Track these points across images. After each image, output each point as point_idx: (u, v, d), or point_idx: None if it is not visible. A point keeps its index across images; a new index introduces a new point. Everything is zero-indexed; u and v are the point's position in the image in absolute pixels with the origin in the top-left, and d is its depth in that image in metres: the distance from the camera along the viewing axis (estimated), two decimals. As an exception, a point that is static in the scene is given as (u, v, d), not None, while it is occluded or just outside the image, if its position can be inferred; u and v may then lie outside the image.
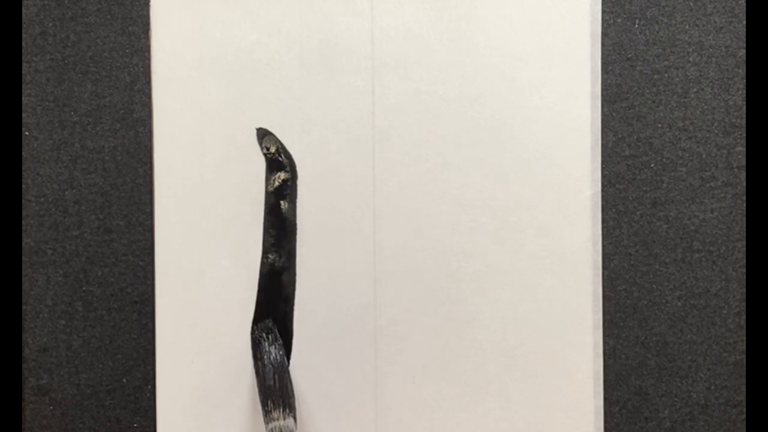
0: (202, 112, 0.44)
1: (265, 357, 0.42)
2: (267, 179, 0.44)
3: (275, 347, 0.43)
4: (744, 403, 0.45)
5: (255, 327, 0.43)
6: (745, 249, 0.45)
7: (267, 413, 0.40)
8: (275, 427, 0.40)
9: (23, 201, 0.44)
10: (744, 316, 0.45)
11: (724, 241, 0.45)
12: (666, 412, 0.45)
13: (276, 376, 0.41)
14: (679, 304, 0.45)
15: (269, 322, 0.43)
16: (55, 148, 0.45)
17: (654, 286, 0.45)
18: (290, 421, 0.40)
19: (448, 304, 0.44)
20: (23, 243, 0.44)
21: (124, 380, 0.45)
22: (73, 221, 0.45)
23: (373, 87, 0.44)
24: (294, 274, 0.44)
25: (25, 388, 0.45)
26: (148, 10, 0.44)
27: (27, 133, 0.45)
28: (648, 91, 0.45)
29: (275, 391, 0.41)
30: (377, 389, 0.44)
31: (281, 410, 0.40)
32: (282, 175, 0.44)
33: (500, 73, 0.44)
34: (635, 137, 0.45)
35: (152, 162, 0.44)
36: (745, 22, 0.45)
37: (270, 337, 0.43)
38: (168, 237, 0.44)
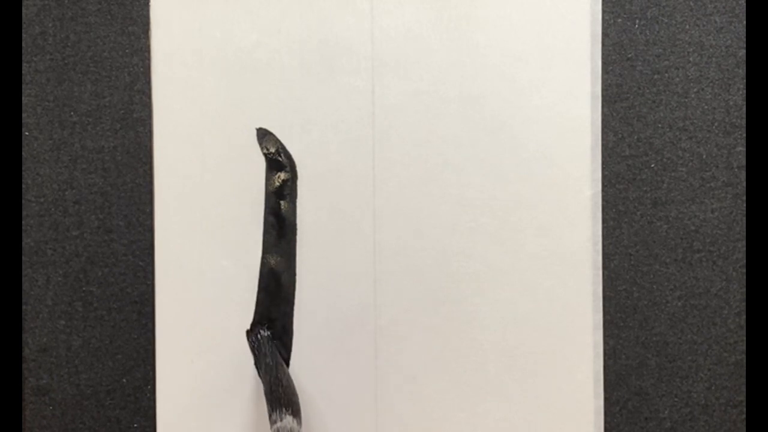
0: (202, 112, 0.44)
1: (261, 362, 0.42)
2: (267, 179, 0.44)
3: (271, 350, 0.43)
4: (744, 404, 0.45)
5: (249, 334, 0.43)
6: (745, 249, 0.45)
7: (269, 416, 0.40)
8: (276, 428, 0.40)
9: (23, 201, 0.44)
10: (744, 316, 0.45)
11: (724, 241, 0.45)
12: (666, 412, 0.45)
13: (271, 379, 0.41)
14: (679, 304, 0.45)
15: (263, 329, 0.43)
16: (55, 148, 0.45)
17: (654, 286, 0.45)
18: (288, 419, 0.40)
19: (448, 304, 0.44)
20: (23, 243, 0.44)
21: (124, 380, 0.45)
22: (73, 221, 0.45)
23: (373, 87, 0.44)
24: (294, 275, 0.44)
25: (25, 388, 0.45)
26: (148, 10, 0.44)
27: (27, 133, 0.45)
28: (648, 91, 0.45)
29: (272, 393, 0.41)
30: (377, 389, 0.44)
31: (278, 412, 0.40)
32: (282, 175, 0.44)
33: (500, 73, 0.44)
34: (635, 137, 0.45)
35: (152, 162, 0.44)
36: (745, 22, 0.45)
37: (263, 340, 0.43)
38: (168, 237, 0.44)
